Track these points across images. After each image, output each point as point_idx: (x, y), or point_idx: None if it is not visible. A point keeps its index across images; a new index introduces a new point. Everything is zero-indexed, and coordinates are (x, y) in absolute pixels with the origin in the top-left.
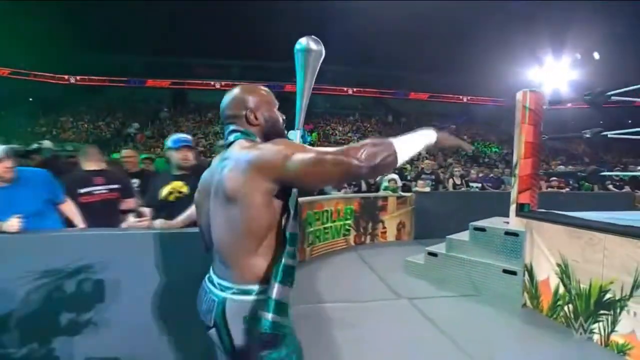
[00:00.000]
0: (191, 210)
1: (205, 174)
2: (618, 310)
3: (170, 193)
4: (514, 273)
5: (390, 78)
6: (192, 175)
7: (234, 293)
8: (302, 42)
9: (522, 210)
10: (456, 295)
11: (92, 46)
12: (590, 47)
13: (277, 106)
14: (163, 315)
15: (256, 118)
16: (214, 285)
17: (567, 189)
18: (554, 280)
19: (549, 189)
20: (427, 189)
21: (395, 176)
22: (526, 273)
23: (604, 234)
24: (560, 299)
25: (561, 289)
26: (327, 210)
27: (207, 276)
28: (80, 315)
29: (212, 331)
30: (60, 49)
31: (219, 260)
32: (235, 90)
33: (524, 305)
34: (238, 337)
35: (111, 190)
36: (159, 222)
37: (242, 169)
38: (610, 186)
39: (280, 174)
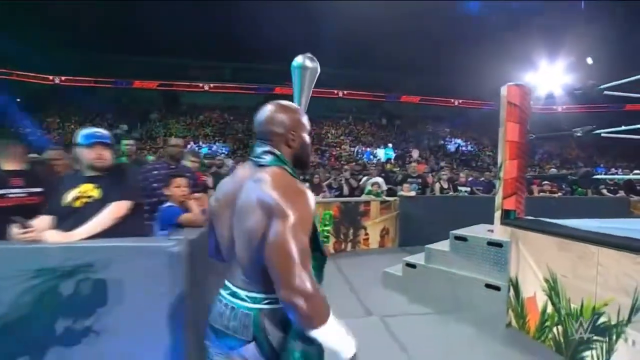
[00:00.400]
0: (99, 219)
1: (228, 184)
2: (614, 337)
3: (77, 198)
4: (497, 288)
5: (383, 81)
6: (107, 177)
7: (268, 303)
8: (299, 60)
9: (507, 218)
10: (434, 313)
11: (78, 46)
12: (584, 50)
13: (309, 131)
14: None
15: (293, 141)
16: (241, 299)
17: (560, 194)
18: (542, 298)
19: (541, 194)
20: (413, 193)
21: (379, 180)
22: (511, 288)
23: (598, 246)
24: (548, 320)
25: (549, 308)
26: None
27: (226, 292)
28: (78, 322)
29: (250, 346)
30: (43, 48)
31: (242, 273)
32: (277, 107)
33: (509, 324)
34: (279, 343)
35: (31, 194)
36: (52, 234)
37: (260, 205)
38: (604, 191)
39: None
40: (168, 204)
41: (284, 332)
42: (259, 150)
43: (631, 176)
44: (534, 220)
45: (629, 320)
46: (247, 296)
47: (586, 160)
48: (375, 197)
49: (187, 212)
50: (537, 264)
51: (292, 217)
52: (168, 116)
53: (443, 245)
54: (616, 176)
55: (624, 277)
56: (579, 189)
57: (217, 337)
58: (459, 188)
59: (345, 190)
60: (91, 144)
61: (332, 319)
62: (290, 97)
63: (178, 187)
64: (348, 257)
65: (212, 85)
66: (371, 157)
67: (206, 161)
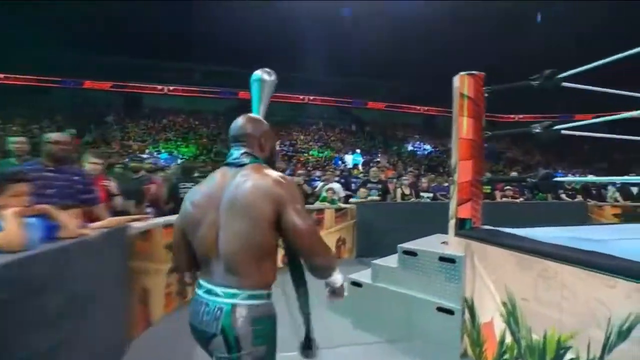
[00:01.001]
0: None
1: (205, 188)
2: None
3: None
4: (450, 312)
5: (350, 87)
6: None
7: (243, 298)
8: (257, 73)
9: (462, 228)
10: (380, 341)
11: (23, 42)
12: (548, 57)
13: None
14: None
15: (264, 145)
16: (216, 295)
17: (521, 199)
18: (499, 325)
19: (504, 199)
20: (376, 198)
21: (335, 185)
22: (467, 311)
23: (560, 263)
24: (507, 351)
25: (508, 338)
26: None
27: (201, 291)
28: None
29: (218, 339)
30: None
31: (224, 269)
32: (251, 117)
33: (464, 354)
34: (245, 339)
35: None
36: None
37: (262, 195)
38: (563, 195)
39: (280, 219)
40: None
41: (251, 328)
42: (237, 153)
43: (589, 178)
44: (491, 230)
45: (601, 358)
46: (222, 292)
47: (547, 166)
48: (330, 204)
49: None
50: (494, 283)
51: (297, 202)
52: (127, 119)
53: (391, 261)
54: (576, 178)
55: (593, 303)
56: (540, 193)
57: (195, 334)
58: (421, 194)
59: None
60: None
61: (336, 270)
62: (249, 102)
63: (17, 197)
64: None
65: (171, 87)
66: (339, 162)
67: (132, 165)
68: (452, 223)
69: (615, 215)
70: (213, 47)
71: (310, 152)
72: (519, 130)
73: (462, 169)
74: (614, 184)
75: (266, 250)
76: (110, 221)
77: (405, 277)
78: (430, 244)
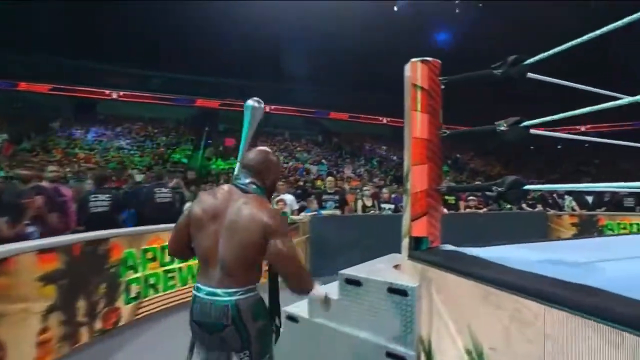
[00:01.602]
0: None
1: (210, 200)
2: None
3: None
4: (402, 359)
5: (316, 97)
6: None
7: (241, 294)
8: (249, 102)
9: (417, 248)
10: None
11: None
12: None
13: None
14: None
15: (268, 179)
16: (218, 295)
17: (485, 209)
18: None
19: (467, 210)
20: (335, 212)
21: (287, 197)
22: (423, 357)
23: (541, 304)
24: None
25: None
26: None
27: (203, 293)
28: None
29: (230, 327)
30: None
31: (222, 273)
32: (267, 153)
33: None
34: (249, 321)
35: None
36: None
37: (255, 224)
38: (524, 205)
39: (268, 244)
40: None
41: (252, 315)
42: (244, 179)
43: (561, 186)
44: (451, 252)
45: None
46: (223, 292)
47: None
48: None
49: None
50: (455, 323)
51: (286, 233)
52: (76, 125)
53: (331, 290)
54: (553, 186)
55: None
56: (504, 203)
57: (201, 328)
58: (382, 205)
59: None
60: None
61: (315, 283)
62: (213, 110)
63: None
64: None
65: (121, 93)
66: (304, 173)
67: (22, 173)
68: (405, 242)
69: (572, 224)
70: (175, 54)
71: None
72: (482, 128)
73: (416, 176)
74: (570, 193)
75: (253, 263)
76: None
77: (348, 312)
78: (379, 270)
